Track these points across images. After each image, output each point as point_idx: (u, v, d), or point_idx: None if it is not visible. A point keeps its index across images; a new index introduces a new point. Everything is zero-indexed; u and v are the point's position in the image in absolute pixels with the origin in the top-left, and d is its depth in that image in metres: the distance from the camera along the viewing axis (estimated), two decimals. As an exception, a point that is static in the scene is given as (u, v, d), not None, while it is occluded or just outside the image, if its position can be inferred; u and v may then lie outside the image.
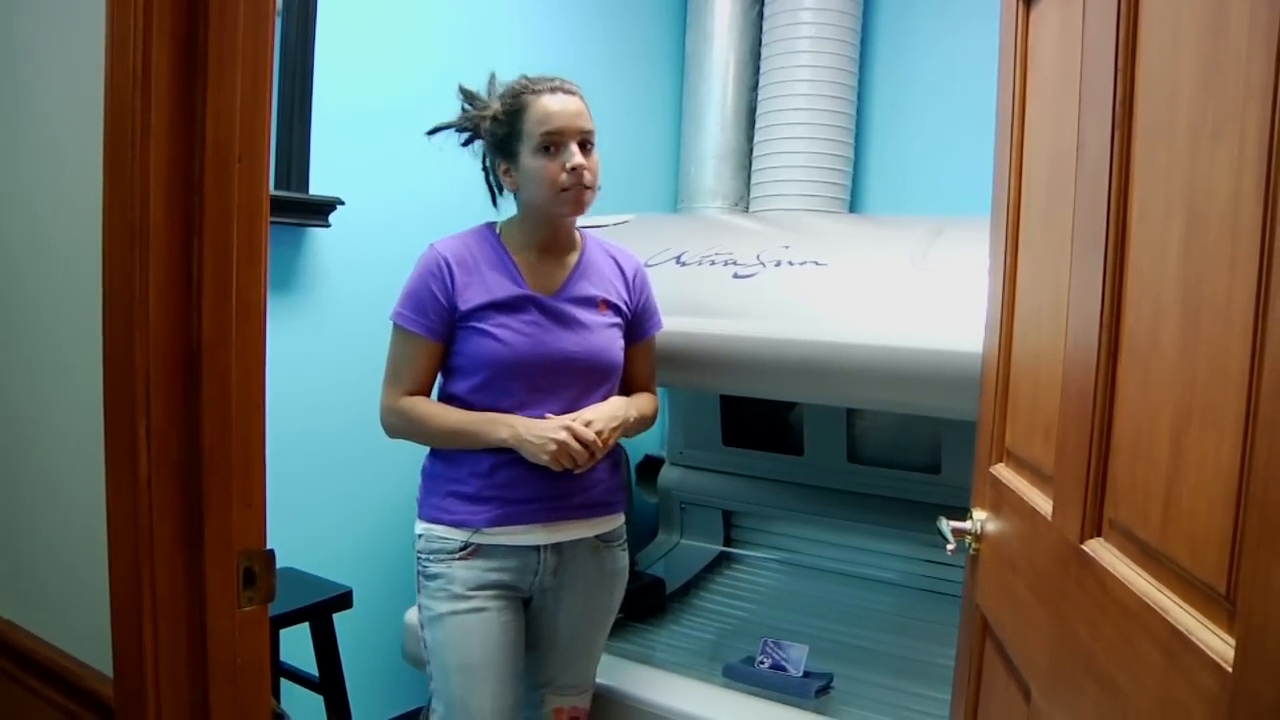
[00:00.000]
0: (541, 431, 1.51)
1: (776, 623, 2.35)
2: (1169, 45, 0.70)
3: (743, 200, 2.91)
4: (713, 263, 2.03)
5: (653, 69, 3.08)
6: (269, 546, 1.03)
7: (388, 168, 2.25)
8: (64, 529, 1.18)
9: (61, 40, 1.12)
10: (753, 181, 2.88)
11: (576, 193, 1.54)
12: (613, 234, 2.30)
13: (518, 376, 1.54)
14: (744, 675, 2.00)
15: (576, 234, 1.67)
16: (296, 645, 1.94)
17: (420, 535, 1.60)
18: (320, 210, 2.12)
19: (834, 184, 2.78)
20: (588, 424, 1.53)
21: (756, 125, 2.87)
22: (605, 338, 1.62)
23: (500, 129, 1.56)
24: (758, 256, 1.99)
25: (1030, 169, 1.11)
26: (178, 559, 0.97)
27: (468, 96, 1.63)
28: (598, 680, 1.81)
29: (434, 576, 1.56)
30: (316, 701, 1.96)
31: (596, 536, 1.64)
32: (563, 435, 1.50)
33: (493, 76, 1.62)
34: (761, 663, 2.01)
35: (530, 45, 2.67)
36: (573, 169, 1.52)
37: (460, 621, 1.55)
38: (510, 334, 1.54)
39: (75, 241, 1.08)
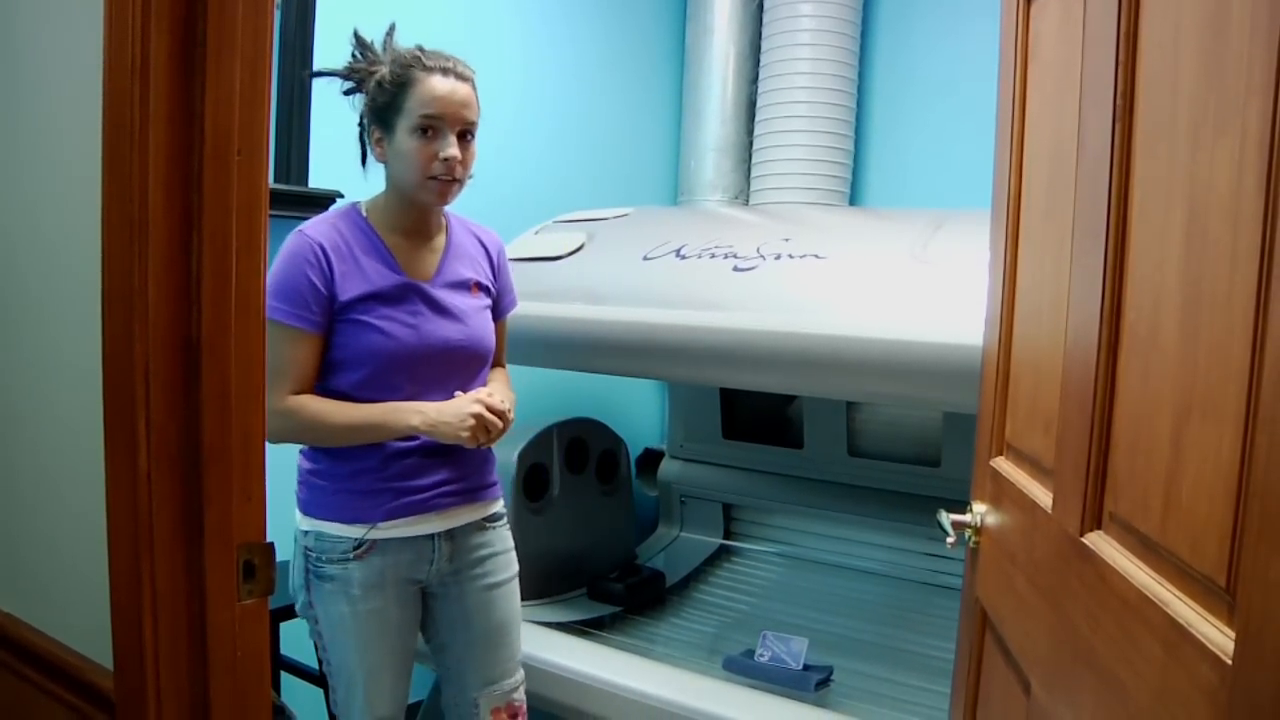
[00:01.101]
0: (455, 409, 1.49)
1: (776, 616, 2.36)
2: (1170, 39, 0.70)
3: (743, 193, 2.91)
4: (713, 256, 2.02)
5: (652, 63, 3.07)
6: (269, 539, 1.03)
7: (387, 161, 2.24)
8: (64, 523, 1.18)
9: (60, 34, 1.12)
10: (753, 175, 2.87)
11: (444, 184, 1.49)
12: (614, 228, 2.30)
13: (402, 369, 1.51)
14: (744, 668, 2.00)
15: (442, 215, 1.63)
16: (297, 638, 1.94)
17: (307, 533, 1.53)
18: (320, 203, 2.11)
19: (834, 177, 2.77)
20: (489, 396, 1.52)
21: (756, 118, 2.86)
22: (481, 322, 1.60)
23: (382, 96, 1.50)
24: (758, 249, 1.99)
25: (1030, 163, 1.11)
26: (177, 552, 0.97)
27: (360, 45, 1.54)
28: (598, 674, 1.80)
29: (329, 578, 1.51)
30: (317, 694, 1.97)
31: (483, 518, 1.63)
32: (477, 408, 1.48)
33: (392, 28, 1.55)
34: (761, 656, 2.01)
35: (529, 38, 2.67)
36: (445, 159, 1.47)
37: (360, 625, 1.52)
38: (395, 326, 1.50)
39: (74, 235, 1.08)
